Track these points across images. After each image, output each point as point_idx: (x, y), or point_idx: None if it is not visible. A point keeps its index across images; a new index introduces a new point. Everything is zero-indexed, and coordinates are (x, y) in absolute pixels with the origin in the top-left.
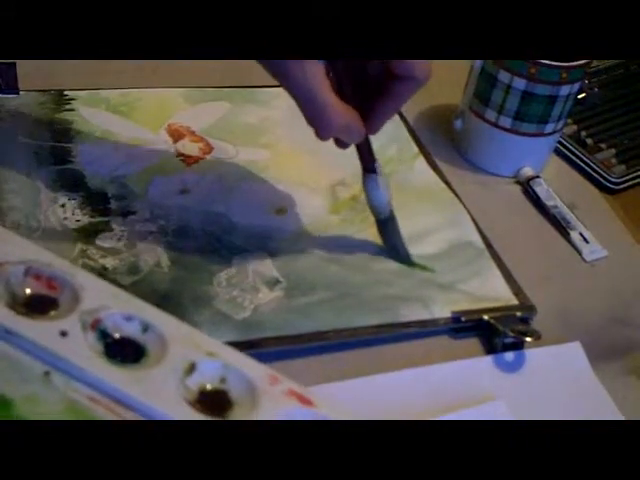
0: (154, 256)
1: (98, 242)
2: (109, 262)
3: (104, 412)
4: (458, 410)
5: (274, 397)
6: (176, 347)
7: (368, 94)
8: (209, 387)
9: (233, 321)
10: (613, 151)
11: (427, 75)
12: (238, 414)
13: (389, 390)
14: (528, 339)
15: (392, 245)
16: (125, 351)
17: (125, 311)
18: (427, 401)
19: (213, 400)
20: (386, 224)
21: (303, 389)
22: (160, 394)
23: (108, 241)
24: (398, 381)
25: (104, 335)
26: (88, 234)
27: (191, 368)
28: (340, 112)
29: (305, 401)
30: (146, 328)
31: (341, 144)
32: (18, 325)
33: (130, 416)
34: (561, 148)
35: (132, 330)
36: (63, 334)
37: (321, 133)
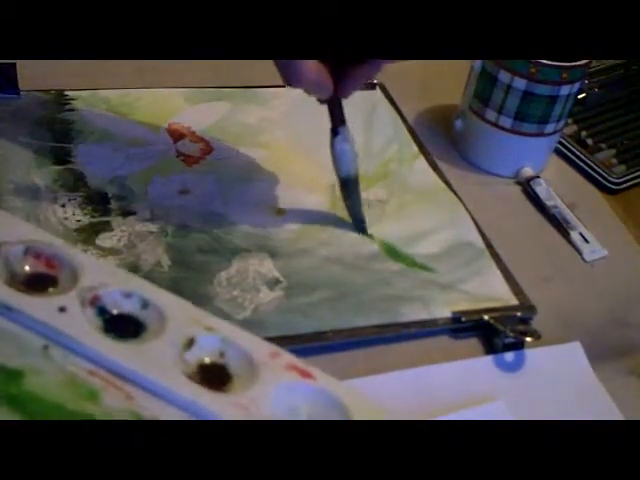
0: (154, 256)
1: (98, 242)
2: (112, 263)
3: (102, 385)
4: (458, 410)
5: (274, 370)
6: (175, 322)
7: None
8: (207, 361)
9: (233, 321)
10: (613, 151)
11: None
12: (237, 387)
13: (389, 390)
14: (528, 339)
15: (352, 211)
16: (124, 327)
17: (124, 288)
18: (427, 401)
19: (212, 373)
20: (347, 186)
21: (304, 363)
22: (158, 367)
23: (108, 241)
24: (398, 381)
25: (103, 311)
26: (88, 234)
27: (190, 343)
28: (310, 67)
29: (306, 374)
30: (145, 305)
31: (318, 99)
32: (17, 301)
33: (128, 389)
34: (561, 148)
35: (131, 307)
36: (62, 310)
37: (290, 83)
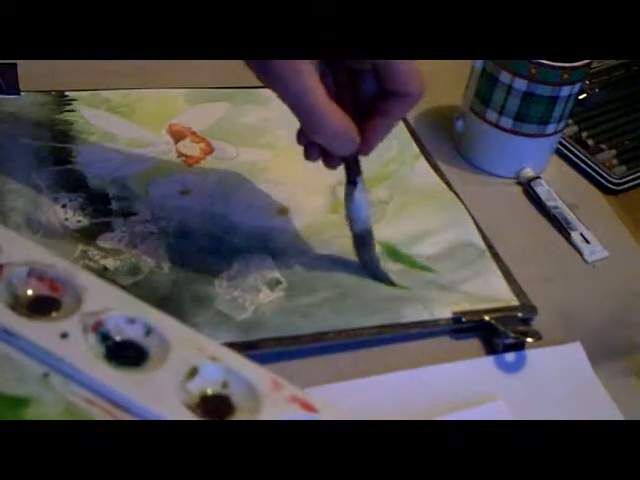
0: (155, 257)
1: (99, 243)
2: (110, 263)
3: (102, 415)
4: (459, 410)
5: (276, 403)
6: (178, 351)
7: (362, 114)
8: (210, 392)
9: (234, 322)
10: (614, 152)
11: (421, 91)
12: (239, 419)
13: (390, 391)
14: (529, 340)
15: (366, 262)
16: (126, 354)
17: (128, 314)
18: (428, 402)
19: (214, 405)
20: (362, 239)
21: (306, 395)
22: (159, 398)
23: (109, 242)
24: (399, 382)
25: (105, 338)
26: (89, 235)
27: (193, 372)
28: (337, 116)
29: (308, 407)
30: (149, 331)
31: (330, 162)
32: (18, 326)
33: (128, 419)
34: (562, 149)
35: (134, 333)
36: (63, 336)
37: (314, 134)
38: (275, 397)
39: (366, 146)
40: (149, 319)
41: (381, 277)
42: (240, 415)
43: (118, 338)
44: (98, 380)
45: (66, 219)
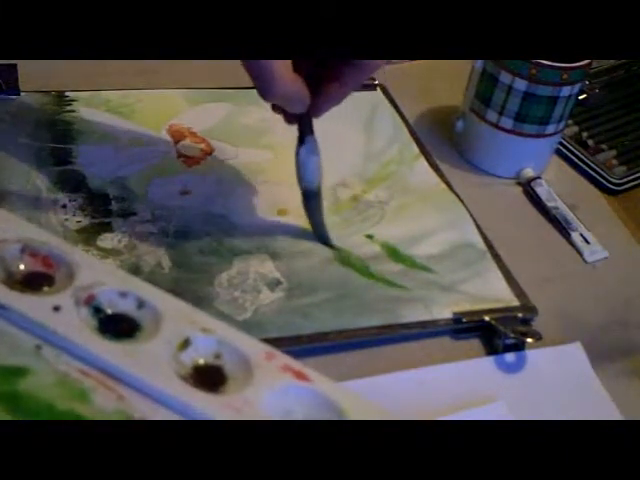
0: (155, 257)
1: (99, 243)
2: (110, 263)
3: (95, 385)
4: (459, 411)
5: (269, 372)
6: (170, 323)
7: (319, 77)
8: (202, 362)
9: (234, 322)
10: (614, 152)
11: (378, 61)
12: (232, 389)
13: (390, 391)
14: (529, 340)
15: (313, 223)
16: (119, 326)
17: (120, 287)
18: (428, 402)
19: (207, 375)
20: (310, 199)
21: (299, 364)
22: (152, 368)
23: (109, 242)
24: (399, 382)
25: (97, 311)
26: (89, 235)
27: (185, 343)
28: (288, 78)
29: (300, 376)
30: (141, 304)
31: (287, 118)
32: (10, 299)
33: (120, 389)
34: (562, 149)
35: (127, 306)
36: (56, 309)
37: (266, 96)
38: (267, 366)
39: (318, 109)
40: (141, 292)
41: (324, 240)
42: (232, 384)
43: (110, 311)
44: (91, 351)
45: (66, 219)
